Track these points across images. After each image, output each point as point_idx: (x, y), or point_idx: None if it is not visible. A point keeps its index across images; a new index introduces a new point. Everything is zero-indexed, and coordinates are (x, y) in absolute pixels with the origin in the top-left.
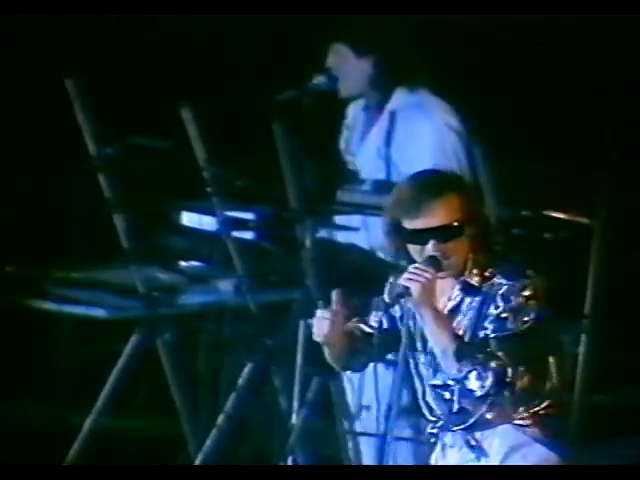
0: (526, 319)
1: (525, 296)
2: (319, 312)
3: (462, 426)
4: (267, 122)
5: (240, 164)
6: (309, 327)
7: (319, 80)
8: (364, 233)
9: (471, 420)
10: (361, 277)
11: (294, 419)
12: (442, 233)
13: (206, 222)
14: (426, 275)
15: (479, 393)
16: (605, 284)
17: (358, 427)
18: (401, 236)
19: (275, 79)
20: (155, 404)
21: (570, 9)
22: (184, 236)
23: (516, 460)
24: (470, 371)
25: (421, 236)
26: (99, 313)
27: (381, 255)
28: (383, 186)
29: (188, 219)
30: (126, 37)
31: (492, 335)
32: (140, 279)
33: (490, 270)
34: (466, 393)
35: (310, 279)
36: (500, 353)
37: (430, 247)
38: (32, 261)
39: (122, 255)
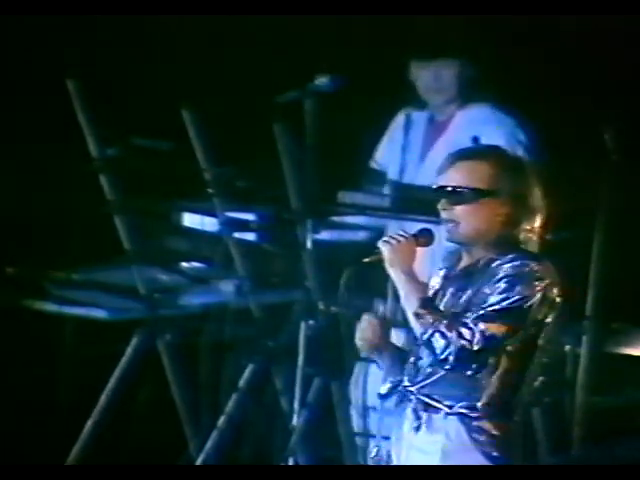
0: (522, 298)
1: (528, 276)
2: (365, 317)
3: (417, 385)
4: (268, 123)
5: (241, 165)
6: (310, 328)
7: (321, 81)
8: (365, 234)
9: (426, 381)
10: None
11: (295, 420)
12: (451, 194)
13: (207, 223)
14: (399, 239)
15: (441, 356)
16: (606, 285)
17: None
18: None
19: (276, 80)
20: (156, 405)
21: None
22: (185, 237)
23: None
24: (435, 332)
25: (437, 193)
26: (100, 314)
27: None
28: (392, 188)
29: (189, 220)
30: (128, 38)
31: (487, 309)
32: (141, 280)
33: (504, 251)
34: (429, 354)
35: (311, 280)
36: (474, 325)
37: (440, 205)
38: (33, 262)
39: (123, 256)
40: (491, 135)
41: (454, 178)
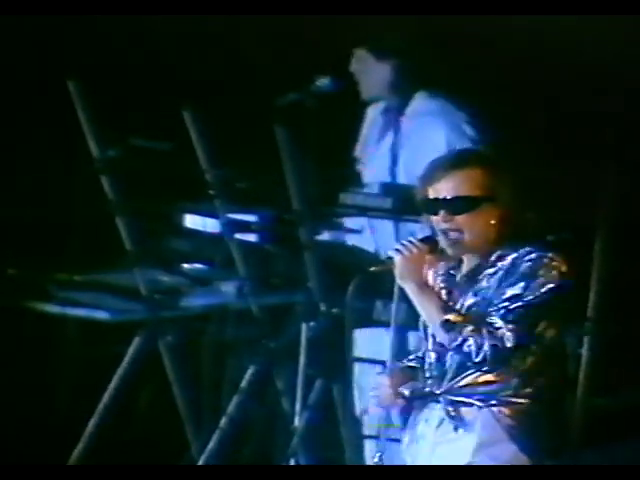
0: (546, 289)
1: (547, 266)
2: (376, 379)
3: (443, 388)
4: (270, 124)
5: (242, 166)
6: (311, 329)
7: (322, 82)
8: (367, 235)
9: (453, 383)
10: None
11: (296, 421)
12: (452, 204)
13: (209, 224)
14: (412, 249)
15: (476, 359)
16: (608, 286)
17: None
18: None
19: (278, 81)
20: (158, 406)
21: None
22: (187, 238)
23: (485, 458)
24: (466, 339)
25: (432, 205)
26: (102, 316)
27: (384, 257)
28: (391, 189)
29: (191, 221)
30: (128, 38)
31: (511, 305)
32: (143, 281)
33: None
34: (463, 358)
35: (312, 281)
36: (504, 324)
37: (439, 218)
38: (35, 264)
39: (125, 257)
40: (433, 126)
41: (449, 188)
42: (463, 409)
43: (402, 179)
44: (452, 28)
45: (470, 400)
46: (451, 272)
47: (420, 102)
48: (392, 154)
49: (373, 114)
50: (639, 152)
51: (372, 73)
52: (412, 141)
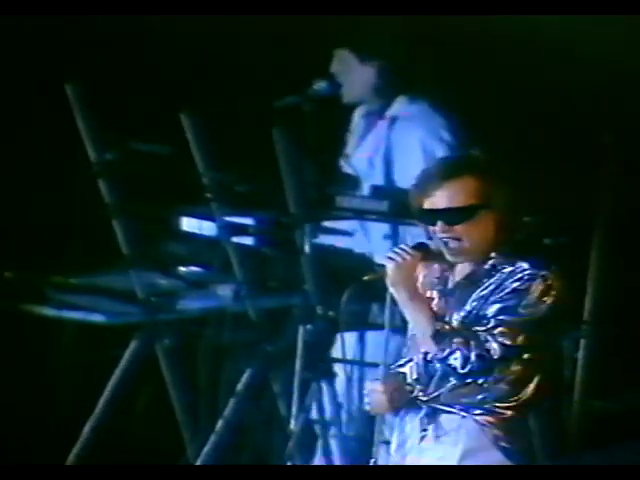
0: (535, 307)
1: (539, 284)
2: (369, 385)
3: (429, 396)
4: (267, 127)
5: (240, 169)
6: (308, 332)
7: (320, 86)
8: (363, 238)
9: (438, 391)
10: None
11: (293, 424)
12: (449, 215)
13: (206, 227)
14: (404, 256)
15: (462, 371)
16: (604, 289)
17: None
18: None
19: (276, 84)
20: (154, 410)
21: (567, 10)
22: (184, 242)
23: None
24: (453, 351)
25: (429, 216)
26: (98, 319)
27: (380, 260)
28: (374, 192)
29: (188, 224)
30: (126, 41)
31: (499, 319)
32: (139, 284)
33: (509, 257)
34: (448, 371)
35: (309, 284)
36: (491, 337)
37: (437, 228)
38: (32, 266)
39: (121, 261)
40: (409, 130)
41: (445, 199)
42: (444, 418)
43: (383, 183)
44: (450, 28)
45: (453, 409)
46: (445, 275)
47: (400, 106)
48: (369, 158)
49: (357, 117)
50: (639, 152)
51: (355, 75)
52: (390, 146)
